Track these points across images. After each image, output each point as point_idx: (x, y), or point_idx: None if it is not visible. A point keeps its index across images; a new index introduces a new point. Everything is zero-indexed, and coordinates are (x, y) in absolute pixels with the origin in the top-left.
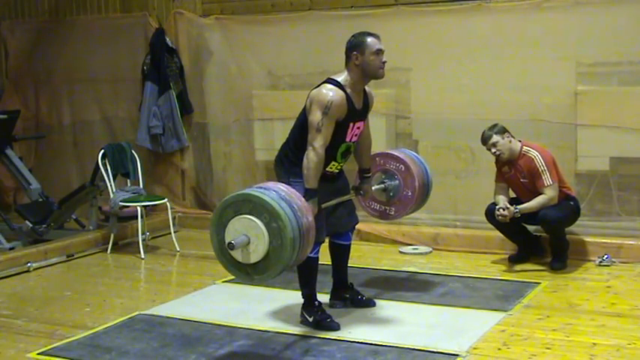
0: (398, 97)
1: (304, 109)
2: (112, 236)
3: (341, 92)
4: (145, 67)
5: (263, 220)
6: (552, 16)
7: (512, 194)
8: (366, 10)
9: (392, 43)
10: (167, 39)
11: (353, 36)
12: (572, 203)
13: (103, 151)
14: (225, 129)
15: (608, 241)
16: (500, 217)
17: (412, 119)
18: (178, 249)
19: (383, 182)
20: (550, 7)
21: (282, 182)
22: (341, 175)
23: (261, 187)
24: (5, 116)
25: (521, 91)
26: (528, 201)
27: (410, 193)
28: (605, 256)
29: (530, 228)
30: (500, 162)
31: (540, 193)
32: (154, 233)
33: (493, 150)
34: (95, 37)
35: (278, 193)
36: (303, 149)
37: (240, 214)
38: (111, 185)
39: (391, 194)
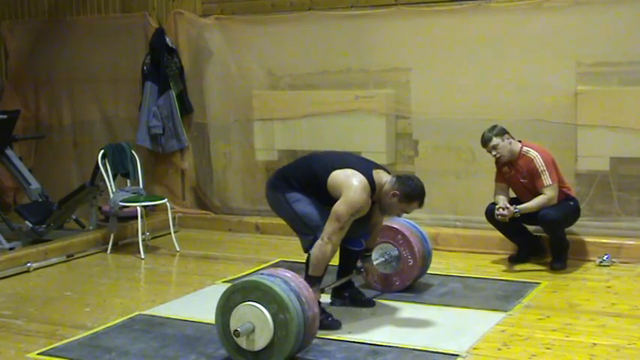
0: (398, 97)
1: (330, 168)
2: (112, 236)
3: (369, 200)
4: (145, 67)
5: (270, 310)
6: (552, 16)
7: (513, 194)
8: (366, 10)
9: (392, 43)
10: (167, 39)
11: (416, 181)
12: (572, 203)
13: (103, 151)
14: (225, 129)
15: (608, 241)
16: (499, 217)
17: (412, 119)
18: (178, 249)
19: (383, 256)
20: (550, 7)
21: (278, 201)
22: None
23: (271, 275)
24: (5, 116)
25: (521, 91)
26: (528, 201)
27: (411, 262)
28: (605, 256)
29: (530, 228)
30: (500, 162)
31: (540, 194)
32: (154, 233)
33: (493, 152)
34: (95, 37)
35: (288, 284)
36: (303, 190)
37: (248, 300)
38: (111, 185)
39: (395, 263)
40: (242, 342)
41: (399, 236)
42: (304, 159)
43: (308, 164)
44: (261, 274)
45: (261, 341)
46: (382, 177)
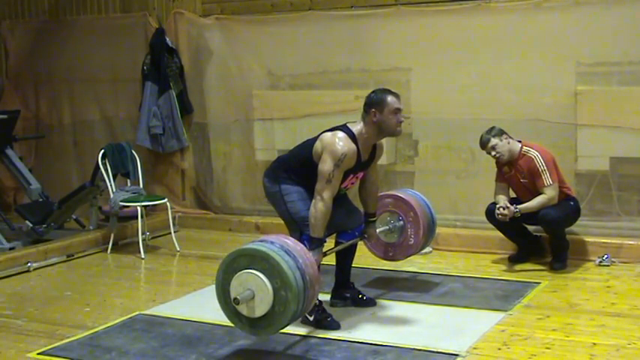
0: None
1: (310, 144)
2: (112, 236)
3: (353, 146)
4: (145, 67)
5: (274, 285)
6: (552, 16)
7: (513, 194)
8: (366, 10)
9: (392, 43)
10: (167, 39)
11: (373, 92)
12: (572, 203)
13: (103, 151)
14: (225, 129)
15: (608, 241)
16: (500, 217)
17: (412, 119)
18: (178, 249)
19: (387, 224)
20: (550, 7)
21: (272, 193)
22: None
23: (282, 248)
24: (5, 116)
25: (521, 91)
26: (528, 201)
27: (412, 241)
28: (605, 256)
29: (530, 228)
30: (500, 162)
31: (540, 193)
32: (154, 233)
33: (493, 153)
34: (95, 37)
35: (296, 260)
36: (298, 178)
37: (253, 269)
38: (111, 185)
39: (397, 234)
40: (239, 307)
41: (411, 213)
42: (297, 146)
43: (299, 148)
44: (272, 242)
45: (258, 310)
46: (356, 123)
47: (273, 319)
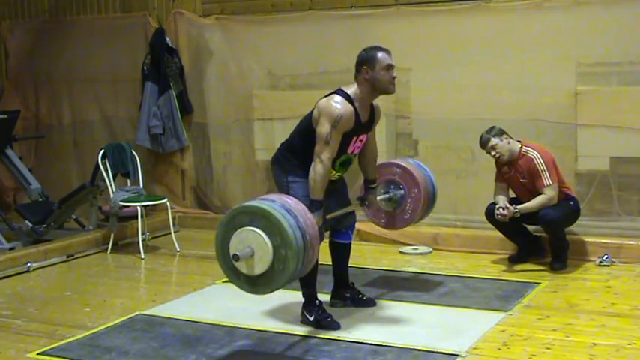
0: (398, 97)
1: (309, 116)
2: (112, 236)
3: (350, 106)
4: (145, 67)
5: (273, 242)
6: (552, 16)
7: (513, 194)
8: (366, 10)
9: (392, 43)
10: (167, 39)
11: (364, 50)
12: (571, 203)
13: (103, 151)
14: (225, 129)
15: (608, 241)
16: (499, 217)
17: (412, 119)
18: (178, 249)
19: (388, 192)
20: (550, 7)
21: (279, 181)
22: (339, 179)
23: (283, 207)
24: (5, 116)
25: (521, 91)
26: (528, 201)
27: (408, 216)
28: (605, 256)
29: (530, 228)
30: (500, 162)
31: (540, 194)
32: (154, 233)
33: (493, 153)
34: (95, 37)
35: (296, 219)
36: (304, 154)
37: (254, 226)
38: (111, 185)
39: (396, 205)
40: (238, 264)
41: (415, 190)
42: (297, 124)
43: (299, 122)
44: (273, 201)
45: (257, 268)
46: (350, 85)
47: (272, 277)
